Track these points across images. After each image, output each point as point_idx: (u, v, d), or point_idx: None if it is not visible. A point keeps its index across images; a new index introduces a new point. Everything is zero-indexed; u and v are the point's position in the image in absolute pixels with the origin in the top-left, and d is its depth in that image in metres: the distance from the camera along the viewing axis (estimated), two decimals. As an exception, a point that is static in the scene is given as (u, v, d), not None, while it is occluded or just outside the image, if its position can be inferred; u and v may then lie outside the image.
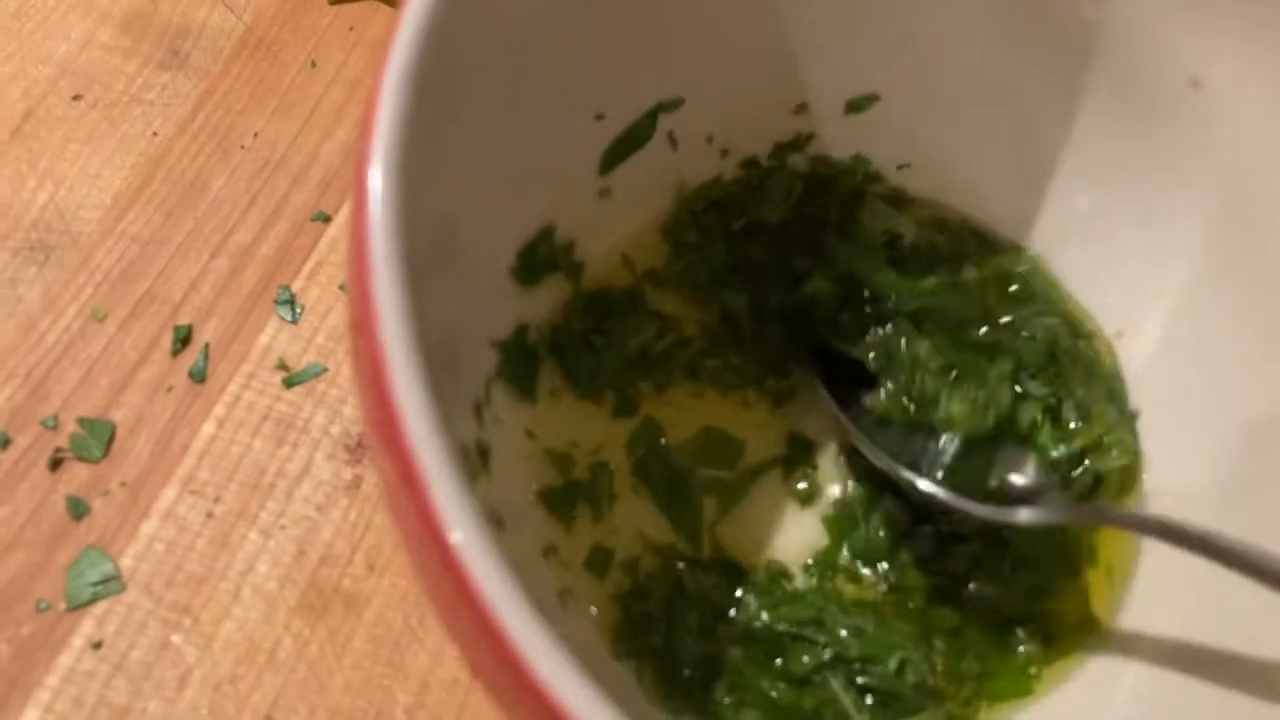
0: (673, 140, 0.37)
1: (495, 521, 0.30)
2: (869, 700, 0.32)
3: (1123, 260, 0.36)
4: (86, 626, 0.37)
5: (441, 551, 0.21)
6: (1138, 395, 0.36)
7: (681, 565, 0.35)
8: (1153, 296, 0.36)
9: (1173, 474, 0.35)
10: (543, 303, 0.36)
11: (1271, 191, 0.32)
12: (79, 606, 0.37)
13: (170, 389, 0.41)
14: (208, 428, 0.40)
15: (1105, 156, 0.36)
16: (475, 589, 0.20)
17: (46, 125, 0.46)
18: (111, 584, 0.37)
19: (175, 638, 0.37)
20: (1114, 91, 0.35)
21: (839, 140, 0.39)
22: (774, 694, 0.33)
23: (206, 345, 0.42)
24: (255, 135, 0.47)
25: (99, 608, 0.37)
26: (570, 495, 0.35)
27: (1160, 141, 0.35)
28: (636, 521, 0.35)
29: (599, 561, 0.35)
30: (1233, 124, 0.33)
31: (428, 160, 0.25)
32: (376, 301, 0.22)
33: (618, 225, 0.37)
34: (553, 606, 0.32)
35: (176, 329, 0.42)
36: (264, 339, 0.42)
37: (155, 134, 0.47)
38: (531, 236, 0.35)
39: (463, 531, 0.21)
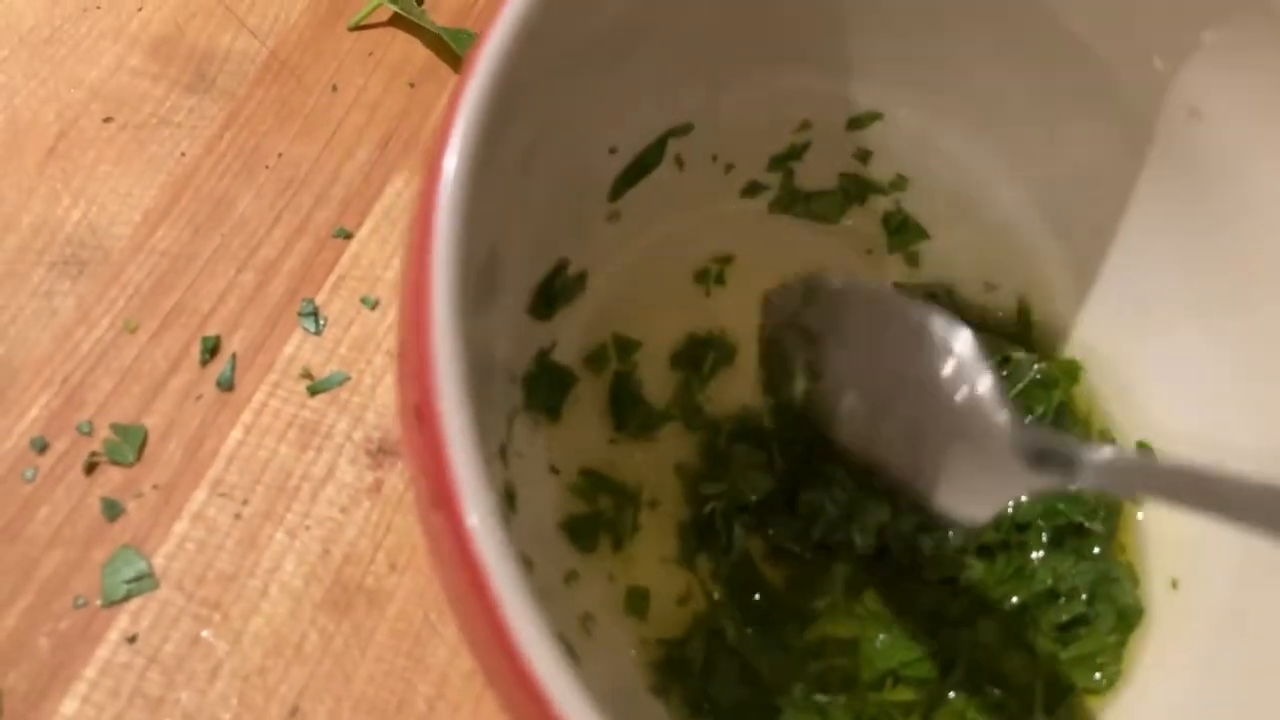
0: (679, 162, 0.39)
1: (527, 564, 0.32)
2: None
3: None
4: (122, 621, 0.39)
5: (468, 558, 0.22)
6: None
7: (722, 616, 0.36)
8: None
9: None
10: (561, 331, 0.38)
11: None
12: (114, 603, 0.39)
13: (199, 397, 0.43)
14: (235, 433, 0.42)
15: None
16: (515, 645, 0.21)
17: (79, 146, 0.49)
18: (145, 581, 0.39)
19: (206, 632, 0.38)
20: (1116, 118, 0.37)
21: (834, 153, 0.40)
22: None
23: (234, 355, 0.44)
24: (279, 155, 0.49)
25: (133, 604, 0.39)
26: (593, 526, 0.36)
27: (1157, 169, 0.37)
28: (657, 552, 0.37)
29: (637, 603, 0.36)
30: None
31: (487, 185, 0.26)
32: (434, 309, 0.23)
33: (625, 247, 0.39)
34: (576, 633, 0.33)
35: (205, 340, 0.44)
36: (289, 349, 0.44)
37: (183, 154, 0.49)
38: (548, 271, 0.36)
39: (499, 568, 0.22)
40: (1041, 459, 0.29)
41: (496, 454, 0.32)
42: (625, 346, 0.39)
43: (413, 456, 0.26)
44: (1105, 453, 0.28)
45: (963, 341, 0.30)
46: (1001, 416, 0.29)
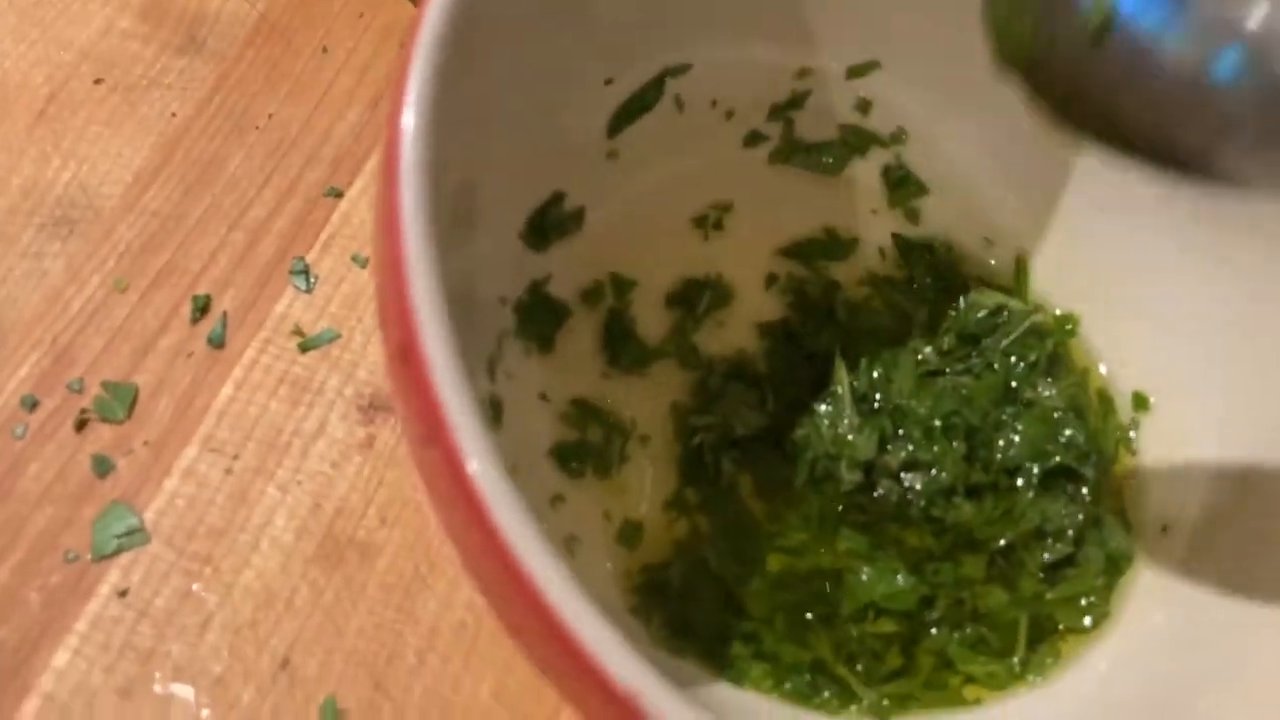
0: (679, 103, 0.39)
1: (513, 471, 0.32)
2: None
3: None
4: (113, 576, 0.38)
5: (462, 486, 0.22)
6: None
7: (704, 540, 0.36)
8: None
9: None
10: (556, 264, 0.38)
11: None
12: (105, 557, 0.39)
13: (190, 354, 0.43)
14: (226, 390, 0.42)
15: None
16: (491, 517, 0.22)
17: (69, 108, 0.48)
18: (136, 536, 0.39)
19: (196, 586, 0.38)
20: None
21: (834, 103, 0.40)
22: (786, 650, 0.34)
23: (224, 313, 0.44)
24: (270, 116, 0.49)
25: (124, 558, 0.39)
26: (581, 452, 0.36)
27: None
28: (645, 482, 0.37)
29: (628, 534, 0.36)
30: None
31: (453, 118, 0.26)
32: (405, 244, 0.23)
33: (624, 186, 0.39)
34: (560, 553, 0.33)
35: (195, 298, 0.44)
36: (280, 307, 0.44)
37: (174, 115, 0.48)
38: (542, 201, 0.36)
39: (479, 464, 0.22)
40: None
41: (484, 369, 0.32)
42: (621, 285, 0.39)
43: (401, 395, 0.26)
44: None
45: None
46: None
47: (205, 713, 0.36)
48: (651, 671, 0.21)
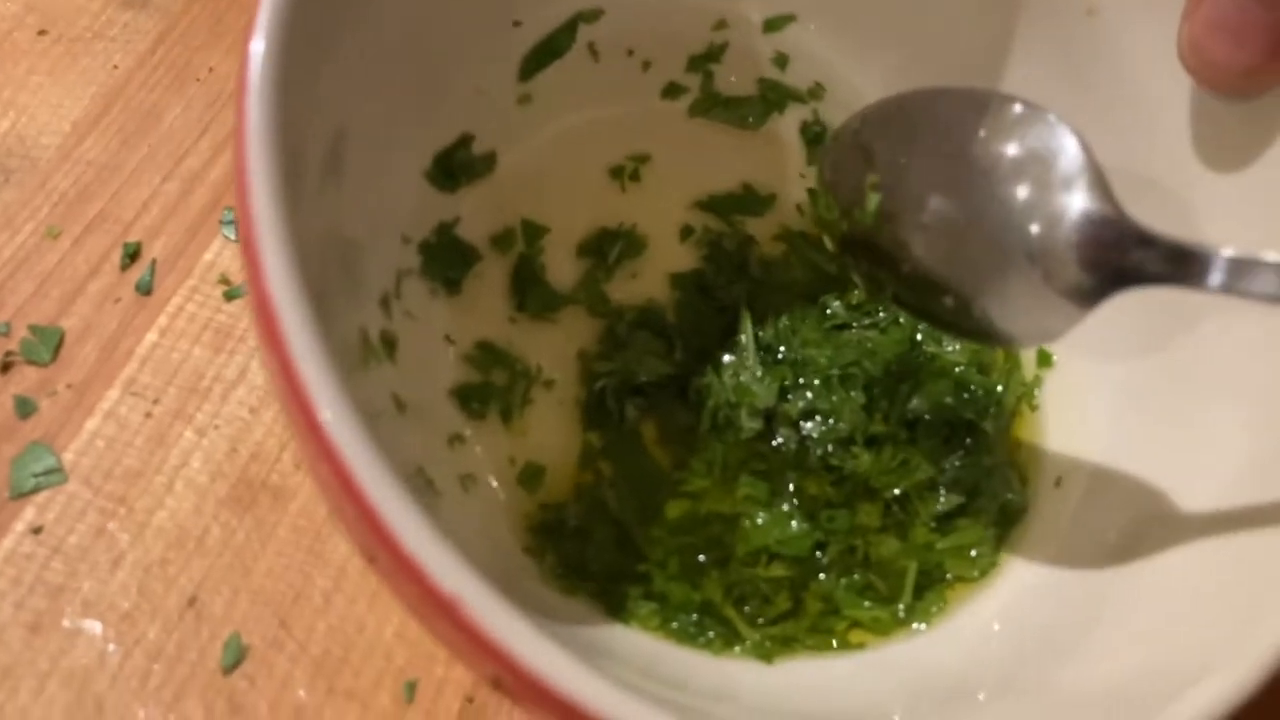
0: (594, 51, 0.39)
1: (396, 404, 0.32)
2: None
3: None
4: (28, 514, 0.39)
5: (314, 429, 0.23)
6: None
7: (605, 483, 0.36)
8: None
9: None
10: (466, 207, 0.38)
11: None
12: (22, 495, 0.39)
13: (118, 300, 0.43)
14: (151, 336, 0.42)
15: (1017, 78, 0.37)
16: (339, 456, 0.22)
17: (12, 58, 0.49)
18: (54, 475, 0.39)
19: (111, 525, 0.39)
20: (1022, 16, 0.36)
21: (752, 56, 0.40)
22: (676, 590, 0.34)
23: (154, 261, 0.44)
24: (210, 70, 0.49)
25: (41, 497, 0.39)
26: (484, 394, 0.37)
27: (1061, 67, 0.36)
28: (548, 426, 0.37)
29: (530, 477, 0.36)
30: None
31: (317, 57, 0.26)
32: (251, 195, 0.24)
33: (538, 132, 0.39)
34: (455, 489, 0.33)
35: (126, 245, 0.44)
36: (209, 256, 0.44)
37: (115, 67, 0.49)
38: (449, 143, 0.37)
39: (331, 412, 0.22)
40: (1141, 260, 0.28)
41: (377, 303, 0.32)
42: (533, 231, 0.39)
43: (262, 347, 0.26)
44: (1225, 250, 0.27)
45: (1064, 139, 0.30)
46: (1105, 209, 0.29)
47: (111, 647, 0.37)
48: (474, 578, 0.21)
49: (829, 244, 0.35)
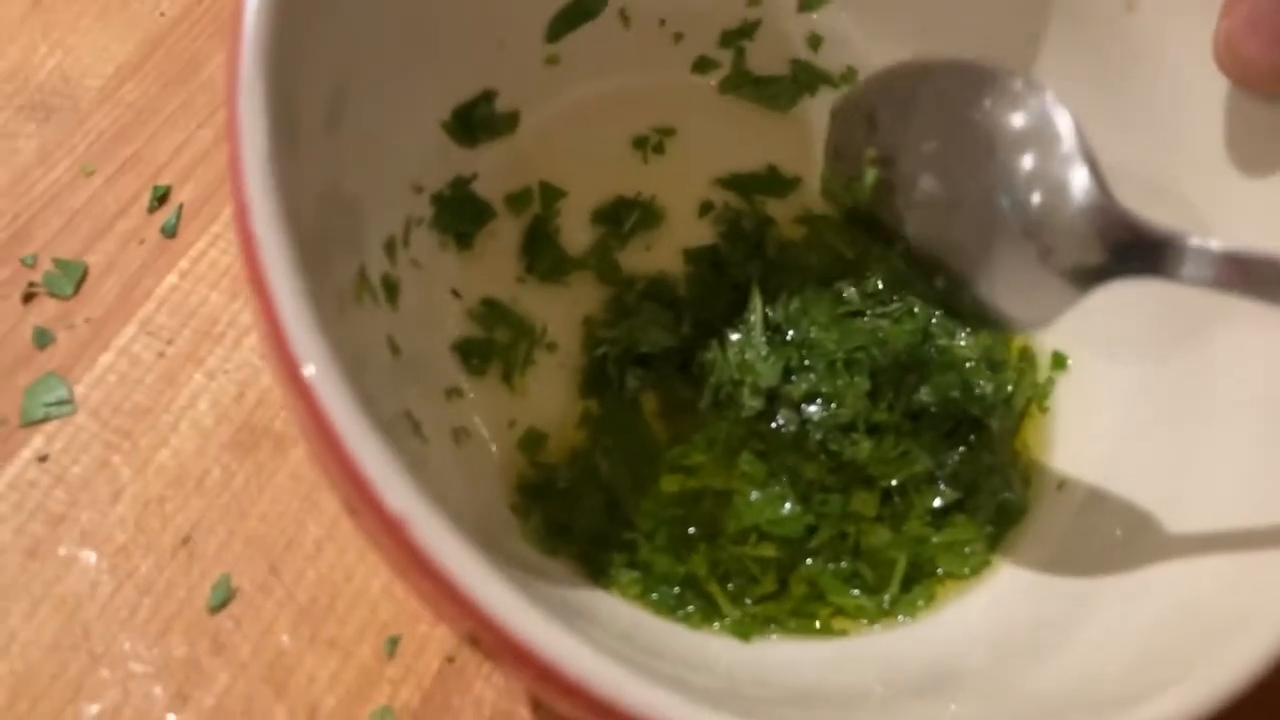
0: (625, 18, 0.39)
1: (392, 348, 0.32)
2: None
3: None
4: (37, 441, 0.39)
5: (293, 377, 0.23)
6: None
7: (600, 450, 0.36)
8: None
9: None
10: (485, 164, 0.38)
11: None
12: (32, 423, 0.40)
13: (143, 241, 0.44)
14: (171, 278, 0.43)
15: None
16: (322, 411, 0.22)
17: (63, 1, 0.50)
18: (64, 406, 0.40)
19: (115, 459, 0.39)
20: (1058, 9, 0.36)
21: (785, 35, 0.40)
22: (661, 561, 0.34)
23: (181, 205, 0.44)
24: (254, 22, 0.49)
25: (50, 426, 0.40)
26: (486, 351, 0.36)
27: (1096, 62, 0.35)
28: (547, 388, 0.37)
29: (529, 440, 0.36)
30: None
31: (312, 16, 0.26)
32: (241, 144, 0.24)
33: (563, 95, 0.39)
34: (443, 438, 0.33)
35: (156, 188, 0.45)
36: (235, 204, 0.45)
37: (162, 14, 0.49)
38: (471, 97, 0.36)
39: (315, 366, 0.22)
40: (1130, 246, 0.28)
41: (381, 246, 0.32)
42: (550, 194, 0.39)
43: (252, 307, 0.26)
44: (1211, 243, 0.27)
45: (1060, 119, 0.29)
46: (1092, 197, 0.28)
47: (104, 578, 0.37)
48: (451, 533, 0.21)
49: (834, 214, 0.36)
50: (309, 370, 0.23)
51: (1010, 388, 0.36)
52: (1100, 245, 0.28)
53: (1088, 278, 0.29)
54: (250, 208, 0.23)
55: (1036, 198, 0.29)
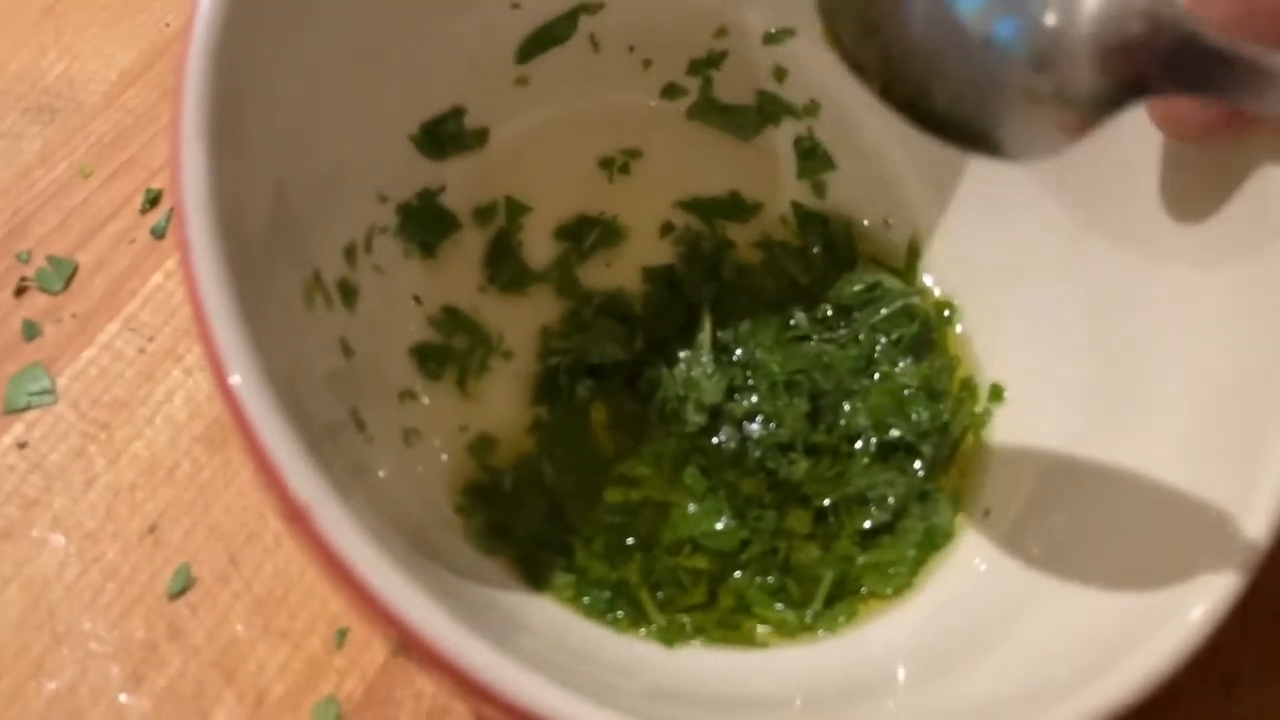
0: (594, 43, 0.40)
1: (344, 350, 0.34)
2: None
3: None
4: (17, 429, 0.41)
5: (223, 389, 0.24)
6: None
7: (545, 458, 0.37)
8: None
9: None
10: (453, 176, 0.39)
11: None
12: (14, 411, 0.41)
13: (133, 241, 0.46)
14: (157, 278, 0.45)
15: None
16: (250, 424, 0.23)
17: (75, 8, 0.52)
18: (46, 396, 0.42)
19: (90, 448, 0.41)
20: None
21: (752, 66, 0.41)
22: (596, 566, 0.35)
23: (171, 209, 0.46)
24: (254, 36, 0.51)
25: (31, 415, 0.41)
26: (443, 356, 0.38)
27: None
28: (500, 395, 0.38)
29: (479, 445, 0.37)
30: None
31: (263, 29, 0.27)
32: (181, 158, 0.25)
33: (533, 114, 0.40)
34: (392, 439, 0.35)
35: (148, 191, 0.47)
36: (223, 209, 0.46)
37: (167, 25, 0.52)
38: (440, 112, 0.38)
39: (241, 376, 0.24)
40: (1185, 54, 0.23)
41: (341, 251, 0.34)
42: (516, 208, 0.40)
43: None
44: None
45: None
46: None
47: (71, 562, 0.39)
48: (332, 492, 0.22)
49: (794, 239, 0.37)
50: (234, 379, 0.24)
51: (947, 416, 0.37)
52: (1137, 60, 0.24)
53: (1112, 101, 0.25)
54: (186, 216, 0.25)
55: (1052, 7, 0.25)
